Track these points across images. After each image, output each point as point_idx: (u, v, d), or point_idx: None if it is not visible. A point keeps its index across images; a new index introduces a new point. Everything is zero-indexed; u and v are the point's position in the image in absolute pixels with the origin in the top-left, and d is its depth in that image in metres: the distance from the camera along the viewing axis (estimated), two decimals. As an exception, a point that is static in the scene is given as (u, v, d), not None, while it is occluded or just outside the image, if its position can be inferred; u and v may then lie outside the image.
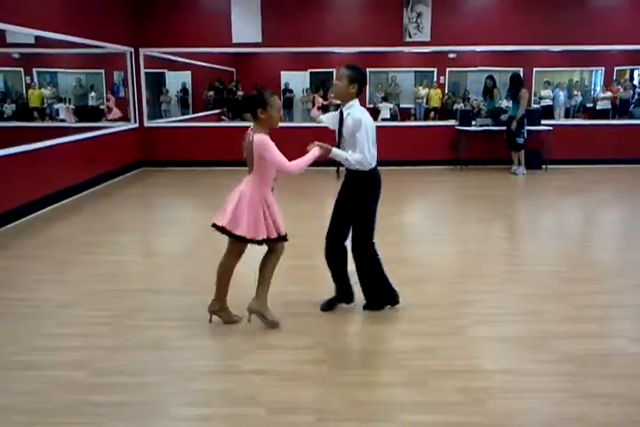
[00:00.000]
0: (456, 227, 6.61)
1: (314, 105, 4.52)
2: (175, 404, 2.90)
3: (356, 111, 3.71)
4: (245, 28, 10.23)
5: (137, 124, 10.56)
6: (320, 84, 15.91)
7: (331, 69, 16.72)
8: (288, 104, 16.53)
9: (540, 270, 4.92)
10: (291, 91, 16.56)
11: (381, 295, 3.98)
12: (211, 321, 3.77)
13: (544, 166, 10.14)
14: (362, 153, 3.65)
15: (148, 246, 6.14)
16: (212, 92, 15.37)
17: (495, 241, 6.15)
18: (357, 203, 3.82)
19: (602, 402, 2.86)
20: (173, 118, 12.95)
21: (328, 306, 4.02)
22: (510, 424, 2.69)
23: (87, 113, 12.07)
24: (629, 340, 3.56)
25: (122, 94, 10.76)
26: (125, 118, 10.56)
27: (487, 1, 10.33)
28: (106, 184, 9.10)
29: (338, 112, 3.83)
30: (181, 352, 3.41)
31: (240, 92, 15.69)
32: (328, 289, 4.10)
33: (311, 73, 16.85)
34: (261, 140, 3.42)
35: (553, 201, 8.16)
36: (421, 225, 6.86)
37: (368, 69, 16.45)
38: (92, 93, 13.09)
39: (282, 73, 16.88)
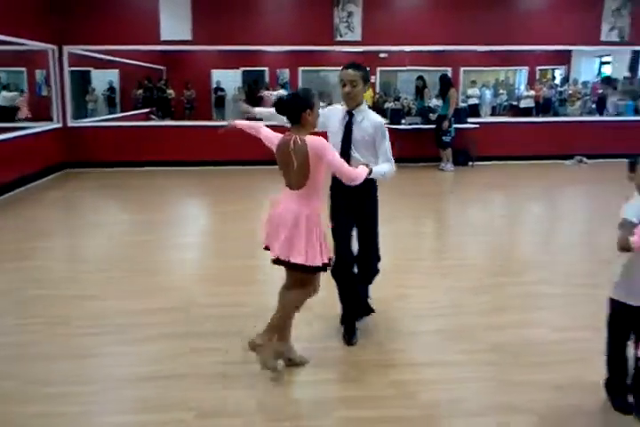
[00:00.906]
0: (388, 224, 6.70)
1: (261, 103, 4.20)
2: (106, 412, 2.83)
3: (373, 115, 3.39)
4: (174, 24, 10.05)
5: (60, 124, 10.19)
6: (252, 82, 15.84)
7: (263, 68, 16.67)
8: (220, 103, 16.38)
9: (467, 264, 5.07)
10: (222, 89, 16.41)
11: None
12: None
13: (471, 163, 10.45)
14: (389, 161, 3.36)
15: (74, 252, 5.94)
16: (140, 91, 15.04)
17: (425, 237, 6.30)
18: (373, 212, 3.51)
19: (526, 389, 2.98)
20: (99, 118, 12.58)
21: (351, 333, 3.53)
22: (441, 415, 2.78)
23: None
24: (549, 329, 3.72)
25: (44, 93, 10.37)
26: (37, 118, 10.17)
27: (416, 1, 10.54)
28: (26, 187, 8.73)
29: (343, 116, 3.39)
30: (113, 359, 3.34)
31: (170, 91, 15.43)
32: (261, 289, 4.08)
33: (243, 71, 16.75)
34: (320, 142, 2.91)
35: (479, 197, 8.42)
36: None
37: (300, 69, 16.55)
38: (4, 93, 12.57)
39: (213, 71, 16.70)
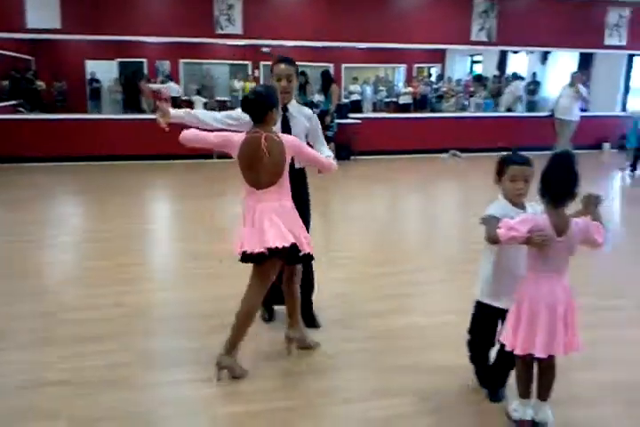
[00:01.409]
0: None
1: (153, 96, 3.80)
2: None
3: (302, 107, 3.44)
4: (41, 11, 9.41)
5: None
6: (130, 73, 15.20)
7: (141, 59, 16.08)
8: (95, 95, 15.61)
9: (349, 256, 5.17)
10: (97, 81, 15.65)
11: None
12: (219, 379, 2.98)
13: (352, 157, 10.67)
14: (326, 147, 3.46)
15: None
16: (6, 82, 13.99)
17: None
18: (308, 199, 3.53)
19: (402, 373, 3.07)
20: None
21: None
22: (323, 404, 2.80)
23: None
24: (425, 314, 3.88)
25: None
26: None
27: (297, -4, 10.57)
28: None
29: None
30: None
31: (40, 82, 14.49)
32: (138, 288, 3.93)
33: (120, 62, 16.05)
34: (294, 138, 2.98)
35: (361, 190, 8.62)
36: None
37: (181, 61, 16.14)
38: None
39: (87, 62, 15.88)
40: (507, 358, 2.61)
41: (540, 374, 2.55)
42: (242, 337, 2.99)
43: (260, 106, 2.90)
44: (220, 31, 10.05)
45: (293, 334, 3.28)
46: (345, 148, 10.57)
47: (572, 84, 10.00)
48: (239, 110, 3.11)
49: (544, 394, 2.54)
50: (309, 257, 3.08)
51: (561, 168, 2.36)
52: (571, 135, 10.16)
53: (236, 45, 14.57)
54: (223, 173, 9.28)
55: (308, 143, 3.39)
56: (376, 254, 5.32)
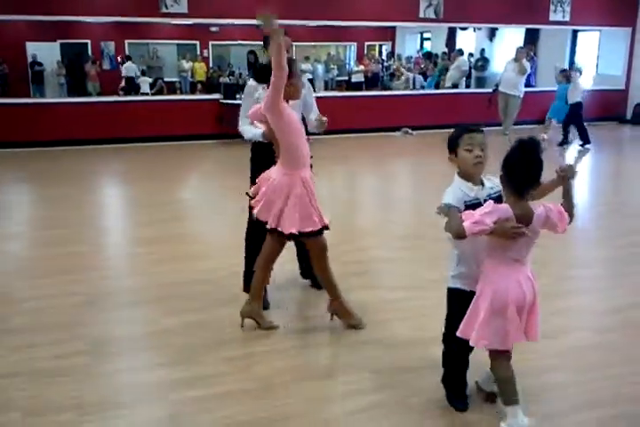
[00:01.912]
0: (230, 200, 6.63)
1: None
2: None
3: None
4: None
5: None
6: (74, 55, 14.72)
7: (85, 40, 15.56)
8: (38, 79, 15.07)
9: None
10: (40, 64, 15.08)
11: None
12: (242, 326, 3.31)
13: (306, 137, 10.60)
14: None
15: None
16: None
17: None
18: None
19: (362, 348, 3.11)
20: None
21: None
22: (281, 383, 2.81)
23: None
24: (386, 289, 3.93)
25: None
26: None
27: (243, -26, 10.34)
28: None
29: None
30: None
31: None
32: (90, 275, 3.85)
33: (62, 44, 15.49)
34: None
35: (317, 170, 8.58)
36: (198, 200, 6.79)
37: (126, 41, 15.70)
38: None
39: (27, 44, 15.27)
40: (463, 355, 2.55)
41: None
42: (262, 285, 3.29)
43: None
44: (164, 10, 9.75)
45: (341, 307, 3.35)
46: (298, 127, 10.50)
47: (516, 60, 10.15)
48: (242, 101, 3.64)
49: None
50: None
51: (526, 158, 2.24)
52: (516, 111, 10.34)
53: (184, 25, 14.23)
54: (172, 156, 9.14)
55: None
56: (335, 233, 5.31)
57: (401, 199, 6.84)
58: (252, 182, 3.62)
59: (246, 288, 3.57)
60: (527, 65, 10.27)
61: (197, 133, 10.27)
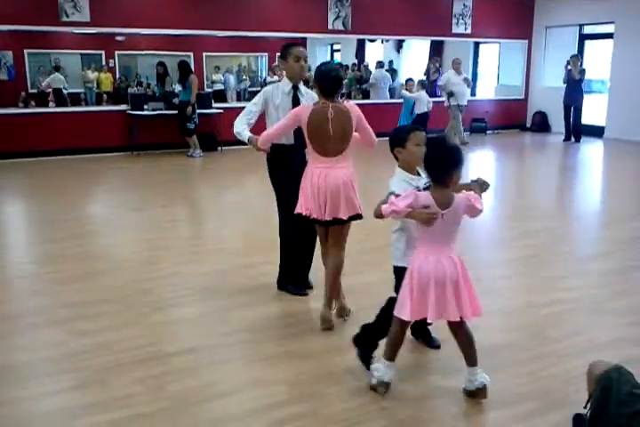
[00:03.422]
0: (139, 214, 6.43)
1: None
2: None
3: (306, 88, 3.88)
4: None
5: None
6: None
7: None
8: None
9: (219, 248, 5.08)
10: None
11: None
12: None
13: (219, 148, 10.49)
14: None
15: None
16: None
17: (177, 225, 6.16)
18: None
19: (276, 362, 3.06)
20: None
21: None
22: (194, 402, 2.71)
23: None
24: (296, 301, 3.89)
25: None
26: None
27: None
28: None
29: (287, 90, 3.74)
30: None
31: None
32: None
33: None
34: (357, 108, 3.41)
35: (230, 181, 8.51)
36: (104, 216, 6.50)
37: (26, 51, 14.97)
38: None
39: None
40: (386, 322, 2.74)
41: (458, 343, 2.72)
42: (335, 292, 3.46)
43: (341, 81, 3.39)
44: (64, 19, 9.38)
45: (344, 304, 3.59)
46: (210, 138, 10.37)
47: (459, 72, 10.99)
48: (253, 102, 3.77)
49: (470, 360, 2.69)
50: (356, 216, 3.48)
51: (435, 153, 2.56)
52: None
53: (87, 34, 13.73)
54: (78, 170, 8.78)
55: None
56: (247, 245, 5.26)
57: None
58: (272, 181, 3.93)
59: (280, 286, 3.98)
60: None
61: (105, 146, 9.92)
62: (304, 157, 3.62)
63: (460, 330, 2.69)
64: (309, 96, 3.75)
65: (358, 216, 3.44)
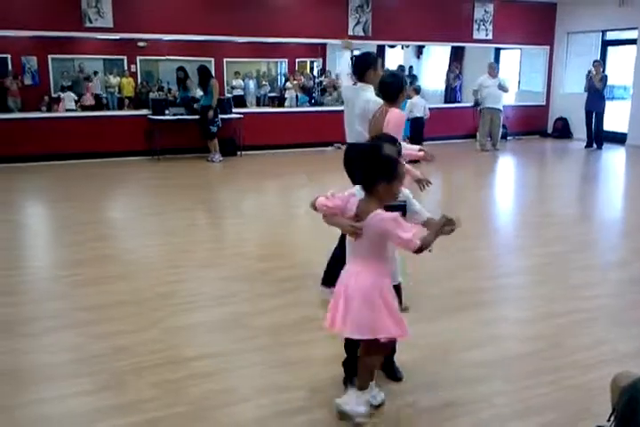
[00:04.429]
0: (158, 218, 6.47)
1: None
2: None
3: None
4: None
5: None
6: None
7: (4, 55, 14.92)
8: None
9: (238, 253, 5.09)
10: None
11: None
12: None
13: (239, 153, 10.54)
14: None
15: None
16: None
17: (197, 229, 6.18)
18: None
19: (294, 367, 3.06)
20: None
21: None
22: (214, 407, 2.71)
23: None
24: (315, 307, 3.87)
25: None
26: None
27: (169, -12, 10.22)
28: None
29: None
30: None
31: None
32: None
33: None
34: (400, 113, 3.64)
35: (250, 185, 8.53)
36: (124, 219, 6.56)
37: (50, 56, 15.20)
38: None
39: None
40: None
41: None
42: None
43: (386, 86, 3.63)
44: (88, 24, 9.50)
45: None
46: (230, 143, 10.42)
47: (494, 76, 11.01)
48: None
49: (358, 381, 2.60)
50: None
51: (365, 160, 2.47)
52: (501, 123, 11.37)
53: (109, 39, 13.91)
54: (99, 173, 8.87)
55: None
56: (265, 250, 5.27)
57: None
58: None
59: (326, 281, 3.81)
60: (506, 80, 11.33)
61: (126, 150, 10.01)
62: None
63: (359, 348, 2.60)
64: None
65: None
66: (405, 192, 2.65)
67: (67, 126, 9.79)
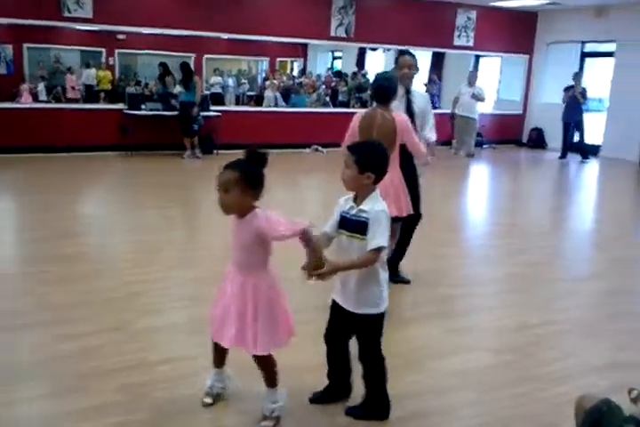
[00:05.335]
0: (129, 215, 6.36)
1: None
2: None
3: (419, 91, 4.35)
4: None
5: None
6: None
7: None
8: None
9: (209, 254, 5.01)
10: None
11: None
12: None
13: (215, 151, 10.43)
14: (434, 128, 4.32)
15: None
16: None
17: (168, 227, 6.08)
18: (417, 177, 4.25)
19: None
20: None
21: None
22: (176, 412, 2.65)
23: None
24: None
25: None
26: None
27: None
28: None
29: (401, 94, 3.99)
30: None
31: None
32: None
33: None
34: (405, 120, 3.65)
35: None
36: (93, 216, 6.42)
37: (25, 45, 14.91)
38: None
39: None
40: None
41: None
42: None
43: (383, 90, 3.63)
44: (67, 14, 9.32)
45: None
46: (208, 141, 10.30)
47: (471, 84, 11.02)
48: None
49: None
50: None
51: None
52: (475, 132, 11.41)
53: (89, 31, 13.68)
54: (70, 168, 8.69)
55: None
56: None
57: (309, 216, 6.80)
58: None
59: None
60: (483, 89, 11.21)
61: (99, 144, 9.83)
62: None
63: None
64: (421, 98, 4.18)
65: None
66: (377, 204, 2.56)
67: (37, 118, 9.56)
